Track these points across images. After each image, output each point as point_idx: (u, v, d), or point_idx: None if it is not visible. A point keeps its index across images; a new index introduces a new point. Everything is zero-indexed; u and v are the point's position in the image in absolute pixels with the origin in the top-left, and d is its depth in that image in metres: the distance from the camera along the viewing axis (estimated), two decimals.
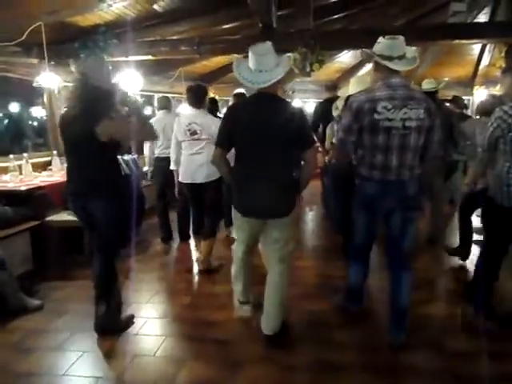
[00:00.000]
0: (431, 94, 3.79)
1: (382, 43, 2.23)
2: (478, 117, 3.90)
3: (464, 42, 5.05)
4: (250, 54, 2.20)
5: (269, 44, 2.21)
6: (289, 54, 4.90)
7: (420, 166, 2.32)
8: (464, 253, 3.54)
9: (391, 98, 2.16)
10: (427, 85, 3.95)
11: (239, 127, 2.24)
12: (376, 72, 2.31)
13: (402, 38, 2.22)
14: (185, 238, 4.48)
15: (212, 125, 3.35)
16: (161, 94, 7.21)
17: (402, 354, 2.29)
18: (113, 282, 2.60)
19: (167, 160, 3.87)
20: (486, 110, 3.31)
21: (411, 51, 2.27)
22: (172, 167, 3.75)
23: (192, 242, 4.34)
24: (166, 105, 4.47)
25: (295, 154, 2.28)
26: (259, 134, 2.19)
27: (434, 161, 2.45)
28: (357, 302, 2.75)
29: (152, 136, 2.73)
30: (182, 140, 3.52)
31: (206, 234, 3.63)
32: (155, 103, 7.49)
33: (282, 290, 2.43)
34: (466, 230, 3.50)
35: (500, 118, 2.35)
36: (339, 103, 4.41)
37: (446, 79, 9.77)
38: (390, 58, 2.19)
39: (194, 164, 3.47)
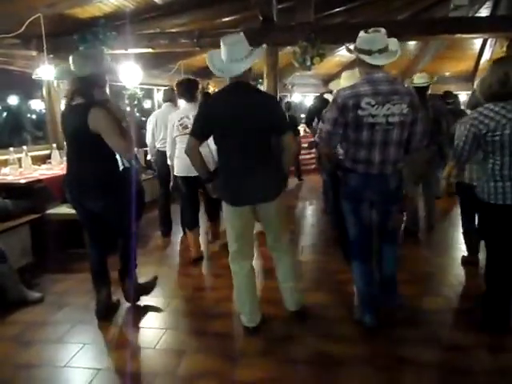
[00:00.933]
0: (422, 89, 3.78)
1: (361, 37, 2.21)
2: (468, 111, 3.88)
3: (465, 36, 5.02)
4: (221, 45, 2.21)
5: (240, 34, 2.23)
6: (288, 48, 4.89)
7: (404, 157, 2.34)
8: (476, 258, 3.46)
9: (375, 93, 2.16)
10: (418, 79, 3.90)
11: (217, 118, 2.24)
12: (359, 67, 2.31)
13: (383, 30, 2.20)
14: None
15: None
16: (161, 88, 7.21)
17: (402, 347, 2.30)
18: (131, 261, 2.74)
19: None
20: (471, 105, 3.29)
21: (394, 44, 2.25)
22: (169, 162, 3.79)
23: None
24: (170, 97, 4.40)
25: (271, 141, 2.34)
26: (238, 122, 2.21)
27: (419, 151, 2.41)
28: (370, 312, 2.46)
29: (126, 150, 2.44)
30: (176, 135, 3.54)
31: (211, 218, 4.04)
32: (155, 96, 7.47)
33: (292, 264, 2.59)
34: (470, 235, 3.45)
35: (475, 118, 2.21)
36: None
37: (447, 74, 9.75)
38: (369, 52, 2.18)
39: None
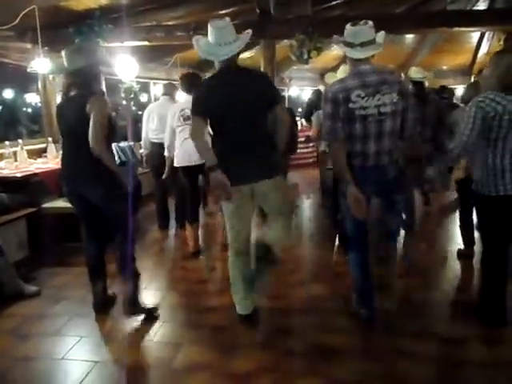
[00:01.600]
0: (420, 84, 3.78)
1: (346, 30, 2.22)
2: (462, 105, 3.88)
3: (463, 29, 5.02)
4: (209, 29, 2.23)
5: (227, 20, 2.27)
6: (285, 41, 4.87)
7: (400, 146, 2.32)
8: (471, 251, 3.44)
9: (364, 85, 2.17)
10: (415, 74, 3.89)
11: (212, 102, 2.25)
12: (347, 60, 2.32)
13: (370, 23, 2.19)
14: (183, 225, 4.49)
15: None
16: (157, 81, 7.18)
17: (399, 339, 2.32)
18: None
19: (161, 145, 3.92)
20: (464, 99, 3.29)
21: (380, 36, 2.24)
22: (166, 153, 3.79)
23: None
24: (169, 92, 4.45)
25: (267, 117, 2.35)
26: (233, 105, 2.24)
27: (413, 138, 2.41)
28: (367, 305, 2.47)
29: (96, 144, 2.35)
30: (177, 126, 3.58)
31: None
32: (151, 90, 7.44)
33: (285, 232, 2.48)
34: (467, 228, 3.44)
35: (477, 106, 2.22)
36: None
37: (445, 67, 9.74)
38: (351, 45, 2.19)
39: (189, 146, 3.49)
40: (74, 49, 2.51)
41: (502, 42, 5.15)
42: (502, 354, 2.20)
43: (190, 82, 3.57)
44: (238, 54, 2.28)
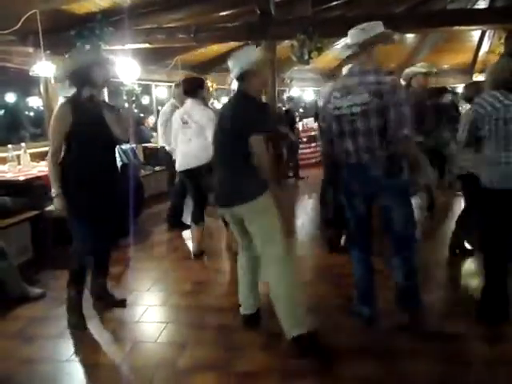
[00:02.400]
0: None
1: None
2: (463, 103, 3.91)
3: (463, 28, 5.02)
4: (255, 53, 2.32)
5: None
6: (286, 41, 4.88)
7: (387, 147, 2.25)
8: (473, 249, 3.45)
9: (342, 86, 2.29)
10: (419, 69, 3.93)
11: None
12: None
13: (363, 25, 2.25)
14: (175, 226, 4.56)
15: (198, 114, 3.48)
16: (159, 83, 7.20)
17: (400, 337, 2.32)
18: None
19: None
20: (466, 97, 3.31)
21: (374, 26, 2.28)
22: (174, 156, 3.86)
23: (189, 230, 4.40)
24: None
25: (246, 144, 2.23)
26: (219, 130, 2.36)
27: (403, 141, 2.22)
28: (368, 304, 2.47)
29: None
30: (178, 129, 3.64)
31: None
32: (153, 92, 7.46)
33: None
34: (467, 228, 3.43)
35: (478, 104, 2.36)
36: None
37: (446, 66, 9.72)
38: (344, 47, 2.36)
39: (188, 150, 3.57)
40: (66, 57, 2.57)
41: (503, 40, 5.14)
42: (505, 352, 2.20)
43: (190, 86, 3.63)
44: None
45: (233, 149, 2.26)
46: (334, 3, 6.00)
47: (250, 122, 2.21)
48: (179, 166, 3.67)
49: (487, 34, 7.63)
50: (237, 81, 2.28)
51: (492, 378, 2.03)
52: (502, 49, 5.11)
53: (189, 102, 3.62)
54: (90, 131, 2.44)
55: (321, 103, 2.38)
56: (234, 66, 2.24)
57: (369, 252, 2.48)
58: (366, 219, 2.45)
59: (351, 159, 2.33)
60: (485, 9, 6.11)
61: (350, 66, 2.61)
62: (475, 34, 7.86)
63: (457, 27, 4.75)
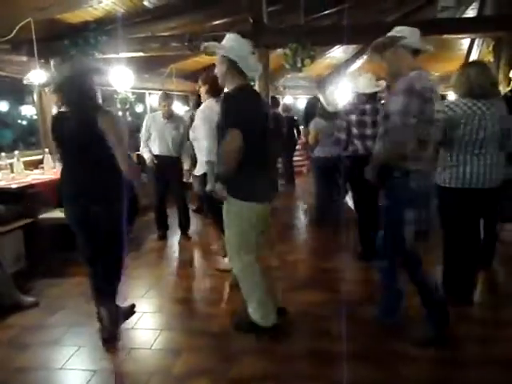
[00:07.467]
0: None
1: (414, 32, 2.38)
2: None
3: (453, 36, 5.10)
4: (243, 43, 2.35)
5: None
6: (279, 50, 4.94)
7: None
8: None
9: (433, 89, 2.26)
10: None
11: (251, 116, 2.25)
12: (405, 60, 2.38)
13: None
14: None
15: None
16: (153, 91, 7.22)
17: (396, 342, 2.34)
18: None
19: None
20: None
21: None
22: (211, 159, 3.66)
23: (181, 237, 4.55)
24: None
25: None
26: (261, 122, 2.34)
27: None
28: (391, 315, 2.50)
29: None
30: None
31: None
32: (147, 100, 7.48)
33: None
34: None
35: (442, 112, 2.49)
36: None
37: (436, 74, 9.85)
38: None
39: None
40: (60, 63, 2.56)
41: (491, 48, 5.24)
42: (497, 353, 2.23)
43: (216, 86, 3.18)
44: None
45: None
46: (326, 12, 6.09)
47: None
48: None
49: (476, 42, 7.75)
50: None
51: (489, 379, 2.04)
52: (490, 57, 5.20)
53: (213, 102, 3.24)
54: None
55: (422, 99, 2.15)
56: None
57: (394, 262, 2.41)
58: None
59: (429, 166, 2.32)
60: (473, 18, 6.23)
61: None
62: (465, 42, 7.99)
63: (446, 36, 4.84)
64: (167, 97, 4.37)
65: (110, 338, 2.46)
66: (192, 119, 4.04)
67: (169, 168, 4.32)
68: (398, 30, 2.29)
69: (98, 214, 2.37)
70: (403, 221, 2.23)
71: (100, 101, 5.27)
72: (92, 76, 2.45)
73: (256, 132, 2.24)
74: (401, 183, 2.21)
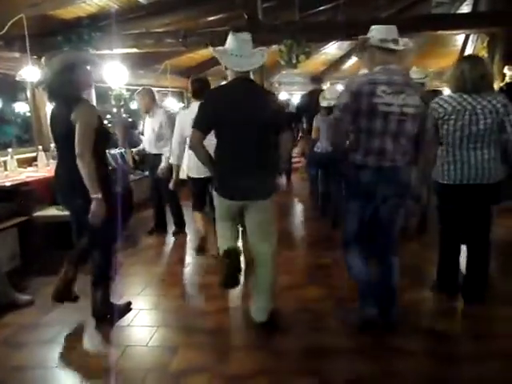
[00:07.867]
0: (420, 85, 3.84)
1: (378, 29, 2.24)
2: None
3: (447, 32, 5.12)
4: (231, 40, 2.28)
5: (249, 34, 2.36)
6: (274, 46, 4.92)
7: (417, 153, 2.35)
8: None
9: (390, 82, 2.16)
10: (416, 74, 3.91)
11: (220, 110, 2.24)
12: (373, 57, 2.27)
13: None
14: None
15: None
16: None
17: (391, 337, 2.35)
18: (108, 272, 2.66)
19: None
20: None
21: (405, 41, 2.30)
22: (174, 161, 3.66)
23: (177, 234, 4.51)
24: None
25: (272, 138, 2.35)
26: (240, 117, 2.23)
27: (431, 148, 2.52)
28: (372, 304, 2.38)
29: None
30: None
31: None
32: None
33: (271, 277, 2.46)
34: None
35: (433, 109, 2.51)
36: (327, 93, 4.49)
37: (431, 70, 9.87)
38: (385, 41, 2.21)
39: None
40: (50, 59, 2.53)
41: (485, 44, 5.26)
42: (496, 348, 2.24)
43: (201, 87, 3.43)
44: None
45: (262, 139, 2.32)
46: (321, 8, 6.08)
47: (283, 115, 2.56)
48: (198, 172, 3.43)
49: (471, 38, 7.78)
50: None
51: (484, 374, 2.05)
52: (485, 53, 5.22)
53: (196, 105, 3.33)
54: None
55: (350, 93, 2.17)
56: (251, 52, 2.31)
57: (366, 253, 2.44)
58: (370, 222, 2.40)
59: (385, 161, 2.22)
60: (468, 13, 6.26)
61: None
62: (459, 38, 8.02)
63: (441, 31, 4.85)
64: (141, 92, 4.23)
65: (103, 316, 2.63)
66: None
67: (152, 165, 4.28)
68: (370, 30, 2.29)
69: (71, 209, 2.55)
70: (348, 211, 2.40)
71: (93, 95, 5.25)
72: (78, 68, 2.41)
73: (229, 128, 2.26)
74: (350, 176, 2.35)
